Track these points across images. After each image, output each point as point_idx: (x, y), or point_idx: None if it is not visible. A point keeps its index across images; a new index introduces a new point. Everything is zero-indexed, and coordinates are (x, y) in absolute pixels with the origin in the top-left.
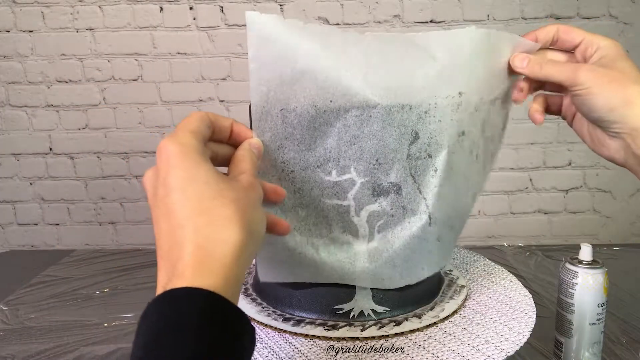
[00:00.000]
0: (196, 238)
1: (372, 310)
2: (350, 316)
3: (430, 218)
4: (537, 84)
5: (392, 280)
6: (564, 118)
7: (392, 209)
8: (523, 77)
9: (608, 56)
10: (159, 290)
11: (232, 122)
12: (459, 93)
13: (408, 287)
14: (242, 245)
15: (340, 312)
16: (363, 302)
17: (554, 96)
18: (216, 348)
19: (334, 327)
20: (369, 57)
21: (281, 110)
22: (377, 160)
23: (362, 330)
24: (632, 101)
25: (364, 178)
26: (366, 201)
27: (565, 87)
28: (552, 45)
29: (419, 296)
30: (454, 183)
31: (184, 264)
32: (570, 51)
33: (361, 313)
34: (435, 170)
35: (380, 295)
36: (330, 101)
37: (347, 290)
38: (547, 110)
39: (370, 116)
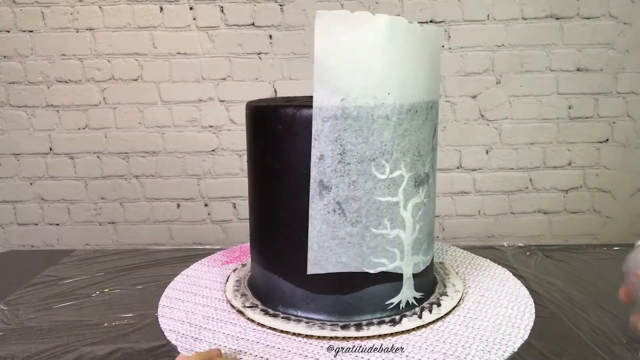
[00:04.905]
0: None
1: (414, 298)
2: (400, 308)
3: (433, 203)
4: None
5: (423, 264)
6: None
7: (425, 197)
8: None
9: None
10: None
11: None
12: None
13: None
14: None
15: (391, 306)
16: (408, 293)
17: None
18: None
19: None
20: (423, 50)
21: (341, 100)
22: (419, 152)
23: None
24: None
25: (410, 172)
26: (411, 194)
27: None
28: None
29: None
30: (436, 173)
31: None
32: None
33: (407, 303)
34: (436, 161)
35: (417, 282)
36: (388, 94)
37: (395, 284)
38: None
39: (417, 111)
